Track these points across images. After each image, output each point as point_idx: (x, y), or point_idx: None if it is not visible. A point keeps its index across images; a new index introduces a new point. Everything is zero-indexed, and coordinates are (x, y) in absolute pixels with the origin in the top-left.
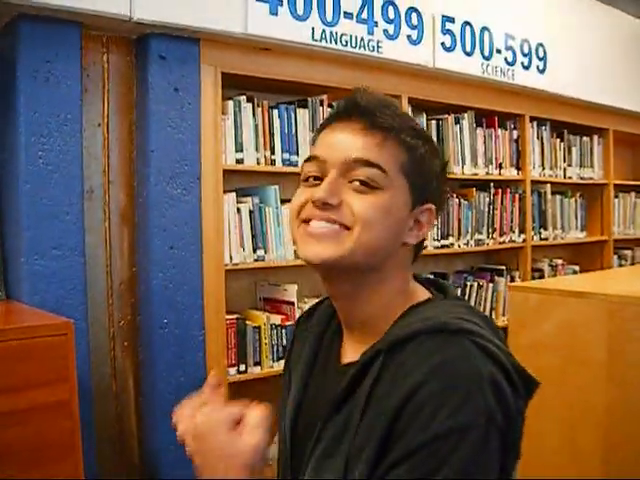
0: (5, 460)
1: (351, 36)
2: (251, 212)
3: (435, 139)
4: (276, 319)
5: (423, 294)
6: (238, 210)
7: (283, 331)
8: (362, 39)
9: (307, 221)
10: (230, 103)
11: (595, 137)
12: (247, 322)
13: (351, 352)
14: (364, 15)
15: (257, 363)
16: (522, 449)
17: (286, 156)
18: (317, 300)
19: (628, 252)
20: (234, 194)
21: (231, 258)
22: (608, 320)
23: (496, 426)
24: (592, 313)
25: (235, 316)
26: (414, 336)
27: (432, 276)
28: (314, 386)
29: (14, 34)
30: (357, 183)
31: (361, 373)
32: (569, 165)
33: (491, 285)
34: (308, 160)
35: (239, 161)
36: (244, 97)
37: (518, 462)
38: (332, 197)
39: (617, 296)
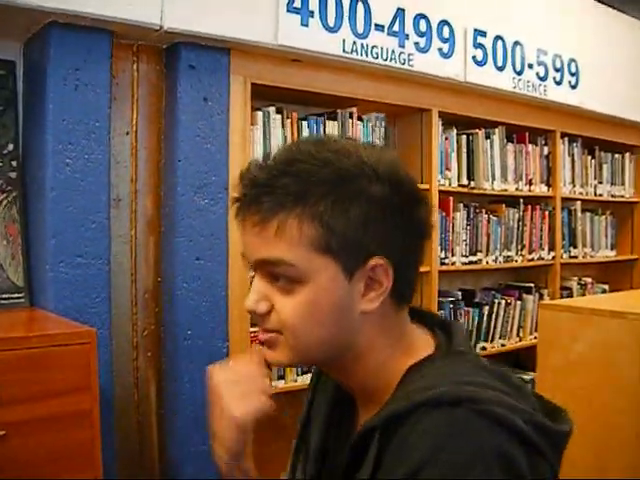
0: (24, 469)
1: (382, 48)
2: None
3: (466, 152)
4: None
5: (424, 347)
6: None
7: None
8: (393, 52)
9: None
10: (259, 114)
11: (627, 154)
12: None
13: (362, 415)
14: (395, 27)
15: (281, 377)
16: None
17: None
18: None
19: None
20: None
21: None
22: None
23: None
24: (625, 333)
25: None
26: (411, 411)
27: (459, 293)
28: (331, 449)
29: (45, 41)
30: (277, 282)
31: (359, 449)
32: (600, 182)
33: (519, 303)
34: None
35: None
36: (273, 108)
37: None
38: (259, 306)
39: None
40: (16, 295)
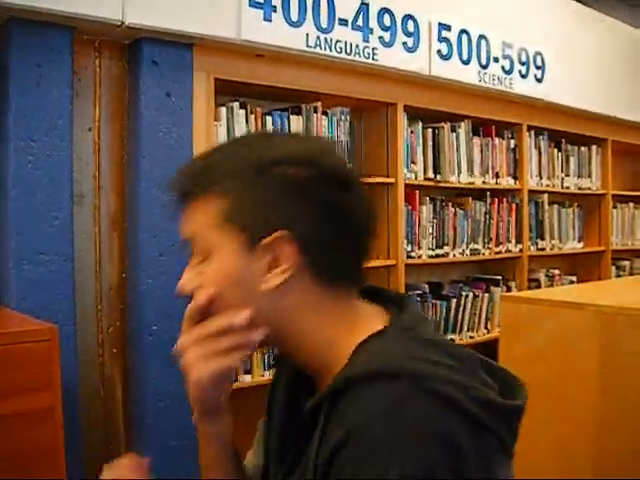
0: None
1: (346, 43)
2: None
3: (432, 145)
4: None
5: (375, 323)
6: None
7: None
8: (357, 46)
9: None
10: (223, 109)
11: (593, 147)
12: None
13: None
14: (359, 22)
15: (247, 372)
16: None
17: None
18: None
19: (626, 263)
20: None
21: None
22: (600, 331)
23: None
24: (584, 324)
25: None
26: (353, 382)
27: (427, 286)
28: (292, 425)
29: (5, 38)
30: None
31: (311, 421)
32: (567, 175)
33: (487, 295)
34: None
35: None
36: (237, 103)
37: None
38: (185, 288)
39: (610, 307)
40: None
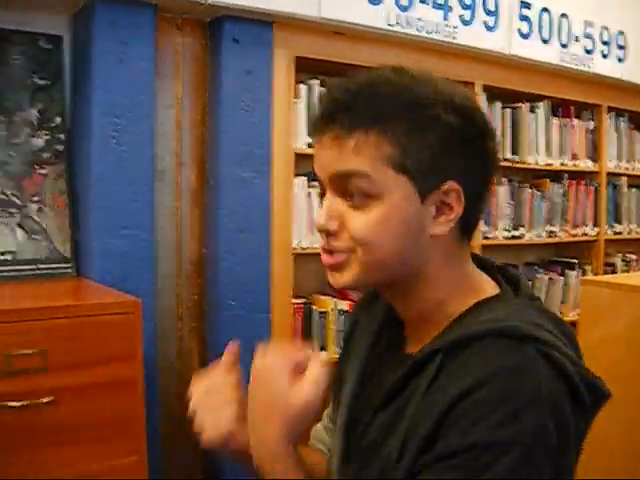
0: (71, 434)
1: (426, 21)
2: (321, 196)
3: (510, 126)
4: (343, 305)
5: (490, 288)
6: (308, 194)
7: None
8: (437, 24)
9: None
10: (303, 87)
11: None
12: (314, 307)
13: (412, 343)
14: (440, 0)
15: (322, 348)
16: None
17: None
18: None
19: None
20: (305, 178)
21: (300, 242)
22: None
23: (547, 446)
24: None
25: (302, 300)
26: (479, 337)
27: None
28: (373, 374)
29: (90, 16)
30: (351, 198)
31: (417, 369)
32: None
33: (562, 279)
34: None
35: (311, 145)
36: (317, 81)
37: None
38: (330, 223)
39: None
40: (63, 265)
